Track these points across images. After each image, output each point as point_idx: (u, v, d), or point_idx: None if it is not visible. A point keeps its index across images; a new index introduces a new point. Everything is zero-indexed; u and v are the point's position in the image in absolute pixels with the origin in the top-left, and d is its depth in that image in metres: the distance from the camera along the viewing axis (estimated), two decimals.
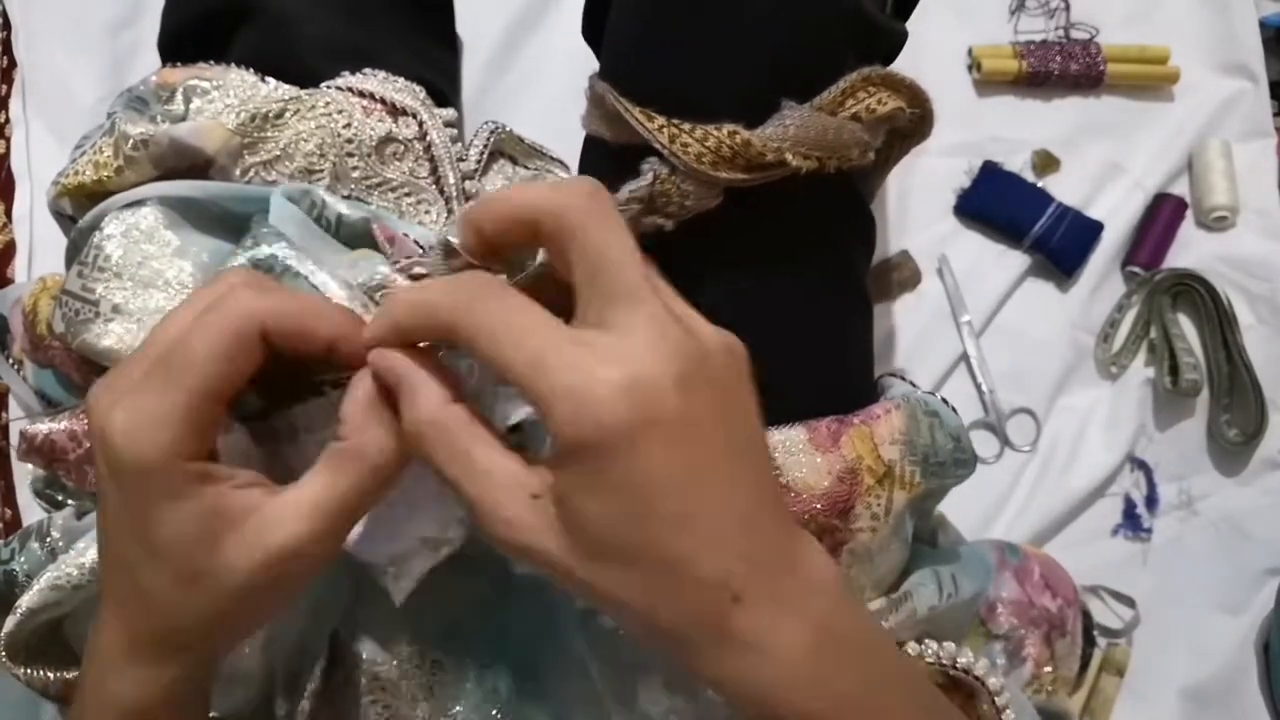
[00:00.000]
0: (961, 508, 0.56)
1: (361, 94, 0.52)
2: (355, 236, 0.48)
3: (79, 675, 0.36)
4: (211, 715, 0.42)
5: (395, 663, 0.42)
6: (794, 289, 0.46)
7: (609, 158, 0.46)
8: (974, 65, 0.85)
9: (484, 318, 0.30)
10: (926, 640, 0.46)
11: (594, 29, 0.53)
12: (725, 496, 0.30)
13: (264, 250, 0.42)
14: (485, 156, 0.58)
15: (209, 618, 0.32)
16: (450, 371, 0.33)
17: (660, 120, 0.42)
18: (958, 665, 0.45)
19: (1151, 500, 0.78)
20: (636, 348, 0.28)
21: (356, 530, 0.38)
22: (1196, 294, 0.80)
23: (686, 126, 0.41)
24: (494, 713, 0.42)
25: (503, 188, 0.58)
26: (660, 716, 0.43)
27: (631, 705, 0.42)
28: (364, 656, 0.42)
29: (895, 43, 0.52)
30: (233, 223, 0.49)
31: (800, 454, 0.43)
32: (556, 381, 0.28)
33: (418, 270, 0.40)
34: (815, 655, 0.30)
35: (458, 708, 0.41)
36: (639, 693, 0.43)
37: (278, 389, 0.36)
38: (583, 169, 0.52)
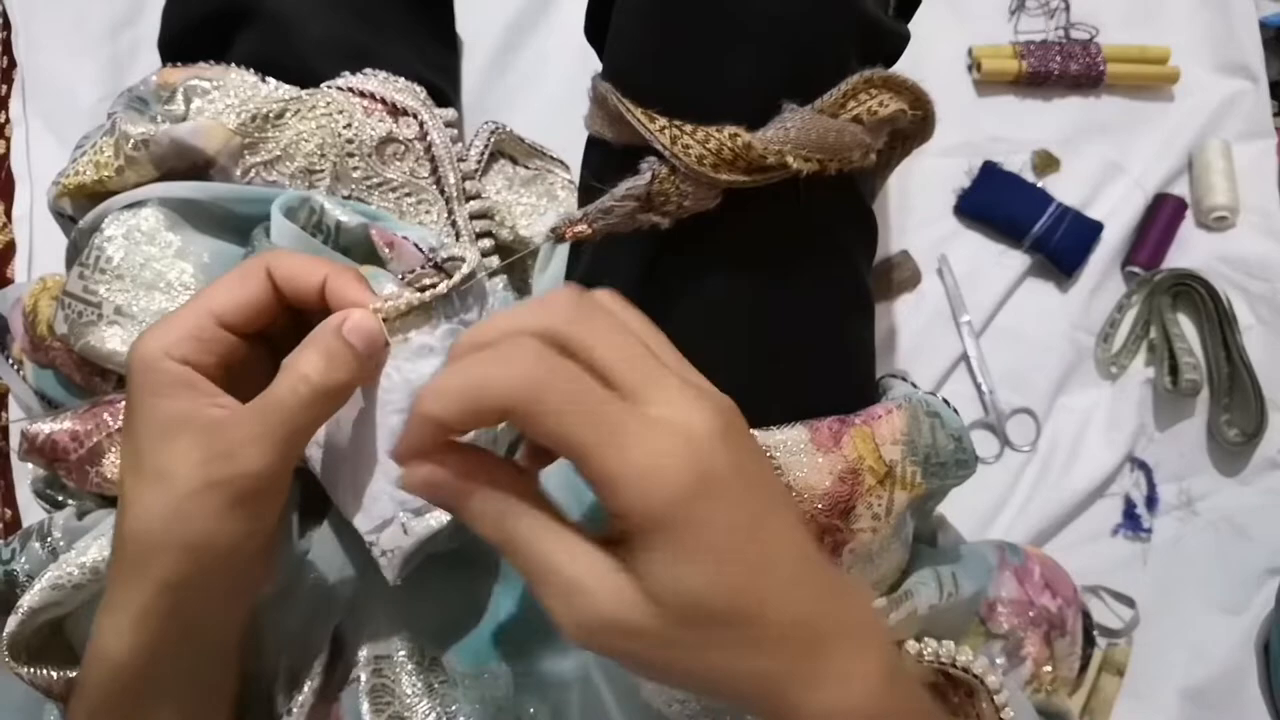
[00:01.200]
0: (962, 508, 0.56)
1: (362, 94, 0.52)
2: (354, 242, 0.48)
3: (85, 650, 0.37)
4: None
5: (395, 659, 0.42)
6: (796, 290, 0.46)
7: (611, 158, 0.46)
8: (974, 65, 0.85)
9: (548, 395, 0.29)
10: (926, 639, 0.46)
11: (597, 29, 0.53)
12: (788, 537, 0.32)
13: None
14: (485, 156, 0.58)
15: (165, 521, 0.33)
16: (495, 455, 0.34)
17: (662, 121, 0.42)
18: (957, 663, 0.45)
19: (1151, 500, 0.78)
20: (684, 417, 0.30)
21: (350, 496, 0.39)
22: (1196, 294, 0.80)
23: (688, 128, 0.41)
24: (493, 710, 0.42)
25: (502, 187, 0.58)
26: (663, 706, 0.43)
27: (633, 698, 0.42)
28: (364, 653, 0.42)
29: (897, 44, 0.52)
30: (234, 224, 0.49)
31: (802, 454, 0.43)
32: (627, 457, 0.28)
33: (426, 281, 0.41)
34: (891, 682, 0.32)
35: (457, 704, 0.41)
36: (641, 685, 0.43)
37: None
38: (584, 169, 0.52)
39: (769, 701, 0.31)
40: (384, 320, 0.36)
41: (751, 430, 0.42)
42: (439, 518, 0.40)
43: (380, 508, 0.39)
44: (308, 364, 0.34)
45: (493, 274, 0.45)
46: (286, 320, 0.37)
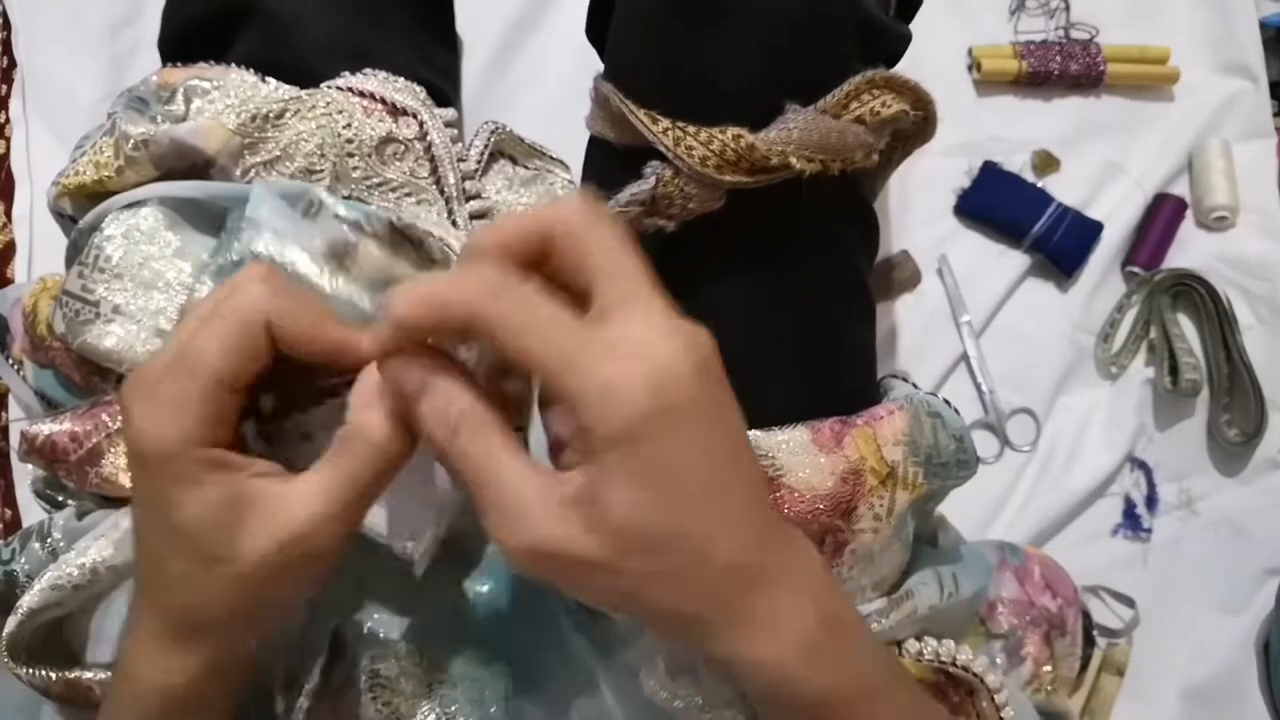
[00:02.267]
0: (962, 508, 0.56)
1: (362, 94, 0.52)
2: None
3: (112, 671, 0.37)
4: None
5: (395, 661, 0.42)
6: (797, 290, 0.46)
7: (613, 158, 0.46)
8: (974, 65, 0.85)
9: (507, 310, 0.29)
10: (926, 638, 0.46)
11: (598, 29, 0.53)
12: (737, 480, 0.32)
13: (238, 254, 0.42)
14: (485, 156, 0.58)
15: (229, 602, 0.32)
16: (466, 371, 0.33)
17: (665, 123, 0.42)
18: (957, 662, 0.45)
19: (1151, 500, 0.78)
20: (654, 341, 0.29)
21: (381, 519, 0.38)
22: (1196, 294, 0.80)
23: (691, 129, 0.41)
24: (492, 710, 0.42)
25: (502, 187, 0.58)
26: (665, 704, 0.43)
27: (634, 697, 0.42)
28: (364, 654, 0.42)
29: (899, 45, 0.52)
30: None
31: (804, 454, 0.43)
32: (587, 378, 0.28)
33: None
34: (826, 633, 0.32)
35: (456, 704, 0.41)
36: (643, 683, 0.43)
37: (289, 391, 0.37)
38: (586, 169, 0.52)
39: (701, 641, 0.31)
40: None
41: (753, 431, 0.43)
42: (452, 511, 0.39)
43: (413, 523, 0.38)
44: (378, 432, 0.32)
45: None
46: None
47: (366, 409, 0.32)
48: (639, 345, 0.29)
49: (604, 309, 0.30)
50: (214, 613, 0.33)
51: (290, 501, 0.32)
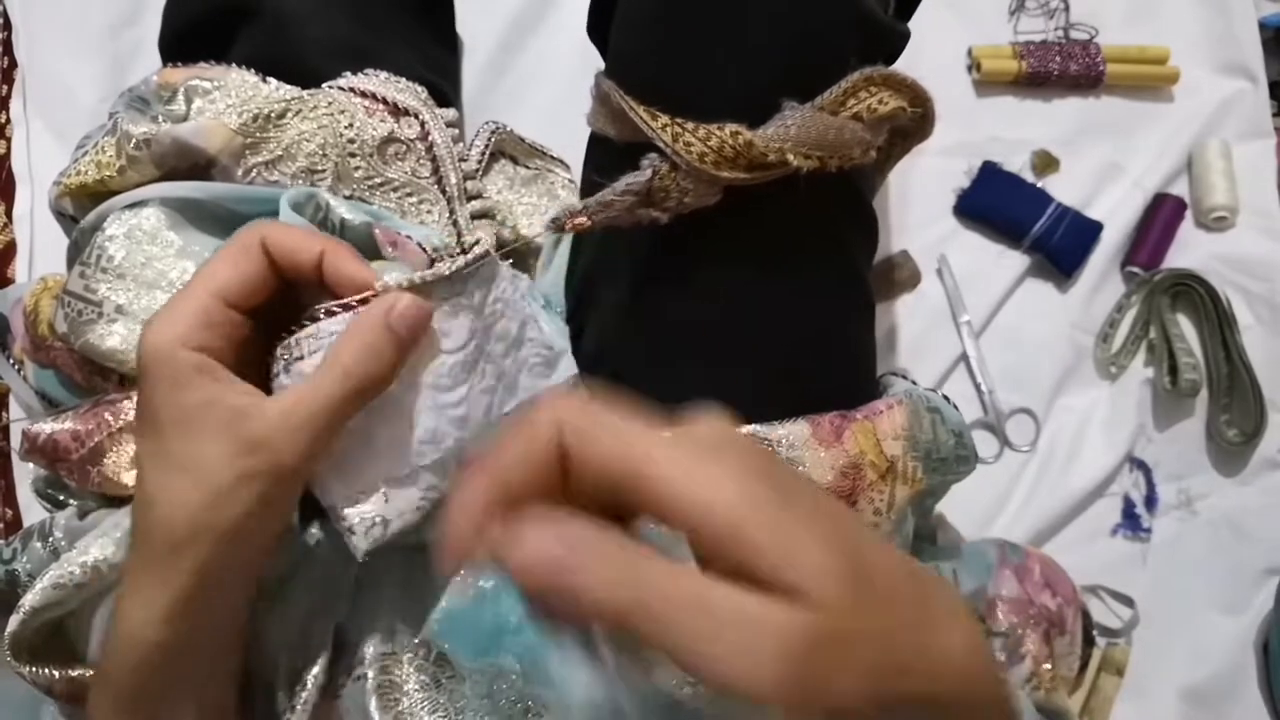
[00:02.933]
0: (961, 507, 0.56)
1: (364, 94, 0.52)
2: (358, 240, 0.48)
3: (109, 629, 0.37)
4: None
5: (402, 655, 0.42)
6: (796, 286, 0.47)
7: (613, 155, 0.46)
8: (974, 65, 0.85)
9: (630, 609, 0.23)
10: None
11: (599, 27, 0.53)
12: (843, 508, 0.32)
13: None
14: (486, 156, 0.58)
15: (196, 513, 0.33)
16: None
17: (664, 119, 0.42)
18: None
19: (1151, 500, 0.78)
20: (807, 565, 0.24)
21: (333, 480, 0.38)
22: (1196, 294, 0.80)
23: (690, 126, 0.41)
24: (501, 703, 0.42)
25: (503, 187, 0.58)
26: (675, 690, 0.43)
27: (642, 688, 0.43)
28: (370, 650, 0.42)
29: (897, 43, 0.52)
30: (236, 223, 0.49)
31: (804, 448, 0.43)
32: (722, 642, 0.23)
33: (441, 269, 0.40)
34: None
35: (465, 699, 0.41)
36: (653, 670, 0.43)
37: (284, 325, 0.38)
38: (587, 166, 0.52)
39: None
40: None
41: (753, 425, 0.43)
42: (420, 492, 0.39)
43: (363, 480, 0.38)
44: (350, 357, 0.34)
45: (502, 255, 0.45)
46: (278, 296, 0.37)
47: (353, 337, 0.34)
48: (783, 565, 0.24)
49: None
50: (182, 529, 0.33)
51: (260, 410, 0.33)
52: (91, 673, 0.41)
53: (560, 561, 0.23)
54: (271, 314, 0.37)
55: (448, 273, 0.39)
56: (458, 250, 0.48)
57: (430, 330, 0.39)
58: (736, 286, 0.46)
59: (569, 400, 0.26)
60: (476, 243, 0.42)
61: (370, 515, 0.39)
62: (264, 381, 0.37)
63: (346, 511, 0.38)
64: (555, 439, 0.25)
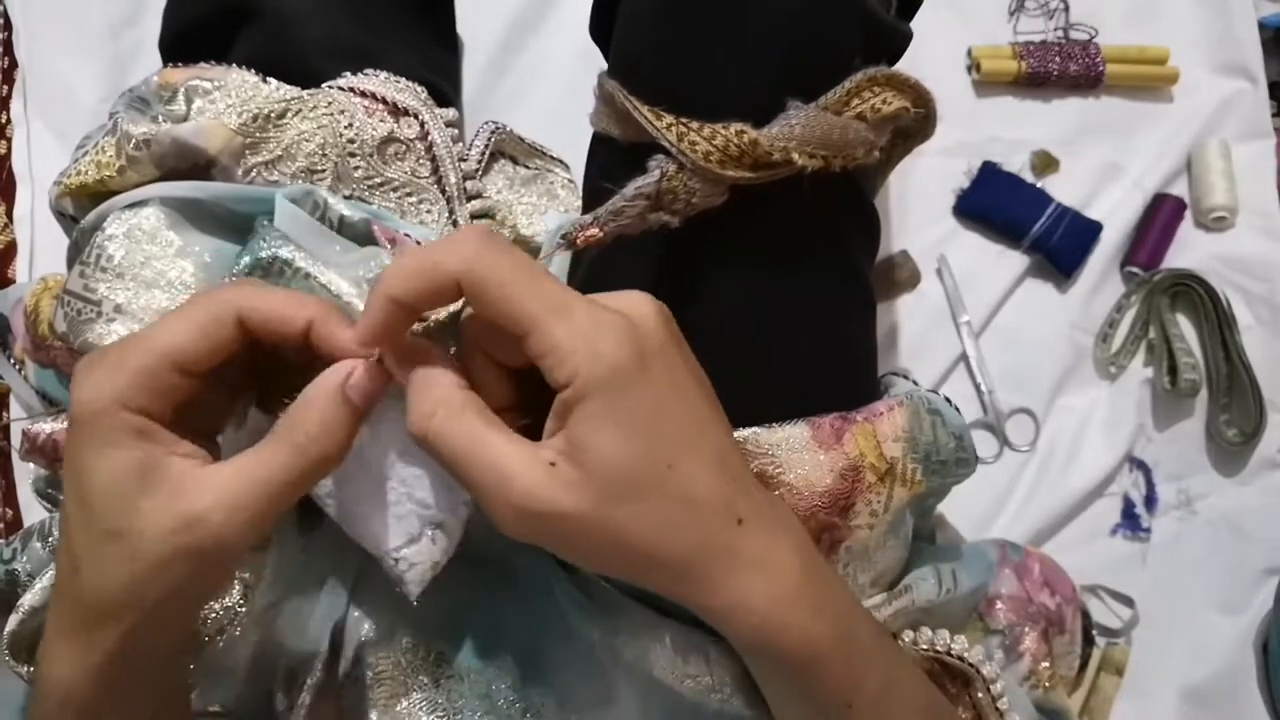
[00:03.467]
0: (961, 507, 0.56)
1: (363, 94, 0.52)
2: (357, 238, 0.48)
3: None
4: (213, 710, 0.42)
5: (400, 655, 0.42)
6: (799, 286, 0.47)
7: (617, 155, 0.46)
8: (973, 66, 0.85)
9: (497, 267, 0.31)
10: (922, 627, 0.46)
11: (602, 27, 0.53)
12: (712, 423, 0.33)
13: (267, 251, 0.42)
14: (486, 156, 0.58)
15: (126, 585, 0.31)
16: (455, 362, 0.34)
17: (669, 119, 0.42)
18: (952, 652, 0.45)
19: (1150, 500, 0.78)
20: (622, 301, 0.32)
21: (356, 518, 0.38)
22: (1195, 294, 0.80)
23: (695, 125, 0.41)
24: (499, 702, 0.42)
25: (503, 187, 0.58)
26: (675, 683, 0.43)
27: (641, 685, 0.43)
28: (367, 650, 0.42)
29: (900, 43, 0.52)
30: (235, 223, 0.49)
31: (803, 451, 0.43)
32: (573, 327, 0.30)
33: (440, 314, 0.40)
34: (810, 575, 0.33)
35: (463, 699, 0.41)
36: (653, 663, 0.43)
37: (273, 393, 0.37)
38: (590, 166, 0.52)
39: (685, 586, 0.32)
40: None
41: (753, 427, 0.43)
42: (454, 532, 0.39)
43: (407, 525, 0.38)
44: (303, 434, 0.31)
45: None
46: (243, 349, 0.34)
47: (308, 409, 0.32)
48: (612, 305, 0.32)
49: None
50: (111, 600, 0.31)
51: (200, 483, 0.31)
52: None
53: (404, 365, 0.33)
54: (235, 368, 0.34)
55: (444, 318, 0.37)
56: None
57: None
58: (739, 286, 0.46)
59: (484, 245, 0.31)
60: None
61: (421, 559, 0.38)
62: (217, 421, 0.35)
63: (396, 557, 0.38)
64: (454, 280, 0.31)
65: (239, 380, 0.36)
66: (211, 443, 0.35)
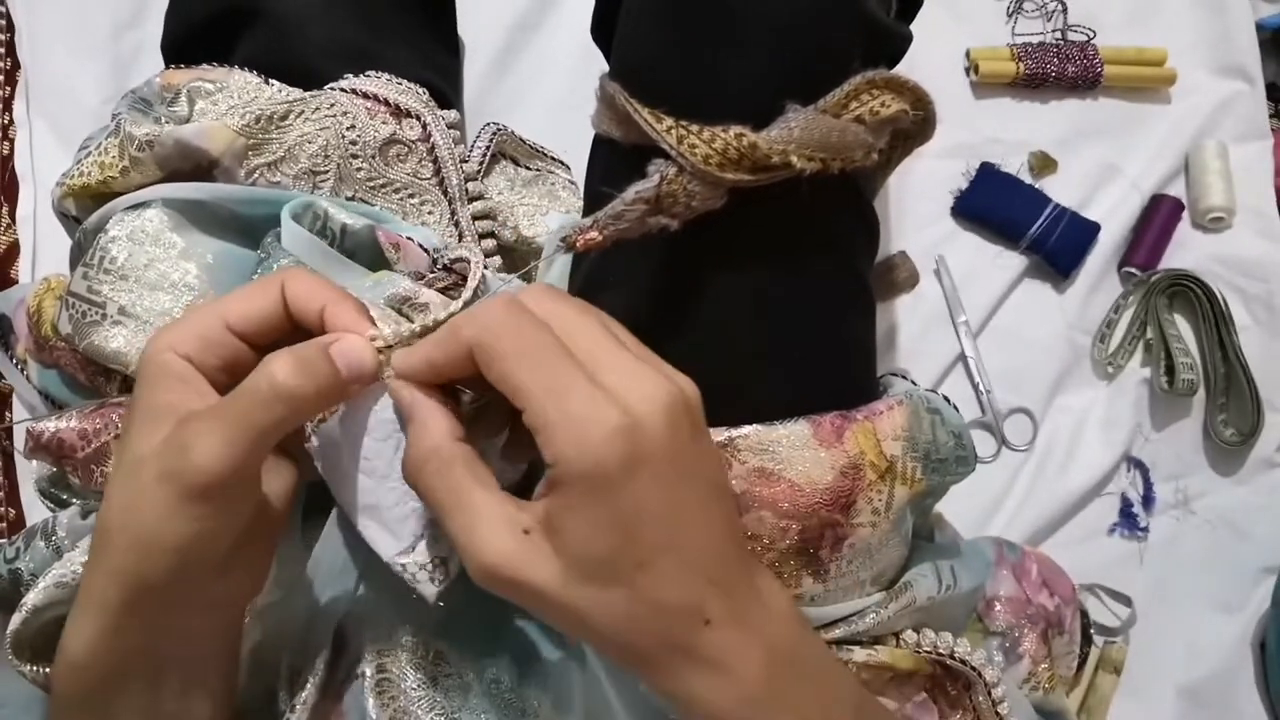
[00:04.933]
0: (959, 506, 0.57)
1: (365, 96, 0.52)
2: (360, 245, 0.48)
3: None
4: None
5: (400, 654, 0.42)
6: (798, 287, 0.47)
7: (618, 157, 0.46)
8: (971, 67, 0.85)
9: (504, 339, 0.31)
10: (924, 629, 0.46)
11: (604, 29, 0.53)
12: (702, 529, 0.33)
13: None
14: (487, 158, 0.59)
15: (123, 513, 0.32)
16: (459, 413, 0.35)
17: (669, 121, 0.42)
18: (955, 655, 0.45)
19: (1148, 499, 0.78)
20: (626, 388, 0.31)
21: (361, 522, 0.38)
22: (1193, 294, 0.80)
23: (694, 128, 0.42)
24: (497, 702, 0.42)
25: (504, 188, 0.59)
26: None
27: (632, 688, 0.43)
28: (368, 648, 0.42)
29: (899, 45, 0.52)
30: (239, 225, 0.50)
31: (804, 449, 0.43)
32: (568, 410, 0.30)
33: (441, 285, 0.40)
34: (771, 675, 0.33)
35: (460, 699, 0.42)
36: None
37: None
38: (591, 167, 0.53)
39: (651, 675, 0.33)
40: (382, 349, 0.36)
41: (754, 425, 0.43)
42: None
43: (410, 527, 0.39)
44: (277, 365, 0.33)
45: (501, 265, 0.45)
46: (298, 339, 0.36)
47: (293, 354, 0.33)
48: (615, 393, 0.31)
49: (581, 362, 0.32)
50: (117, 532, 0.32)
51: (186, 416, 0.32)
52: None
53: (409, 406, 0.34)
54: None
55: (444, 317, 0.38)
56: (448, 256, 0.48)
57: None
58: (738, 288, 0.46)
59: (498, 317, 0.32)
60: (467, 261, 0.41)
61: (427, 561, 0.38)
62: None
63: (402, 563, 0.38)
64: (469, 348, 0.32)
65: None
66: None
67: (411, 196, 0.53)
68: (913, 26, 0.54)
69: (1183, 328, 0.81)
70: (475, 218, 0.55)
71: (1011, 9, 0.88)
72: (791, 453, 0.43)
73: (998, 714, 0.46)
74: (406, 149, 0.52)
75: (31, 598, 0.41)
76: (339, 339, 0.35)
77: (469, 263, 0.42)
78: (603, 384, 0.31)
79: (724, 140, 0.41)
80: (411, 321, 0.37)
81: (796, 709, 0.34)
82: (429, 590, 0.39)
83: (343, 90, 0.52)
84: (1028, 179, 0.83)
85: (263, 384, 0.32)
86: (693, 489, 0.32)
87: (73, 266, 0.51)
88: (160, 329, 0.35)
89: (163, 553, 0.32)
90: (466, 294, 0.40)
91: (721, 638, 0.32)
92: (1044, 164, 0.84)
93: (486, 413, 0.36)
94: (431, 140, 0.53)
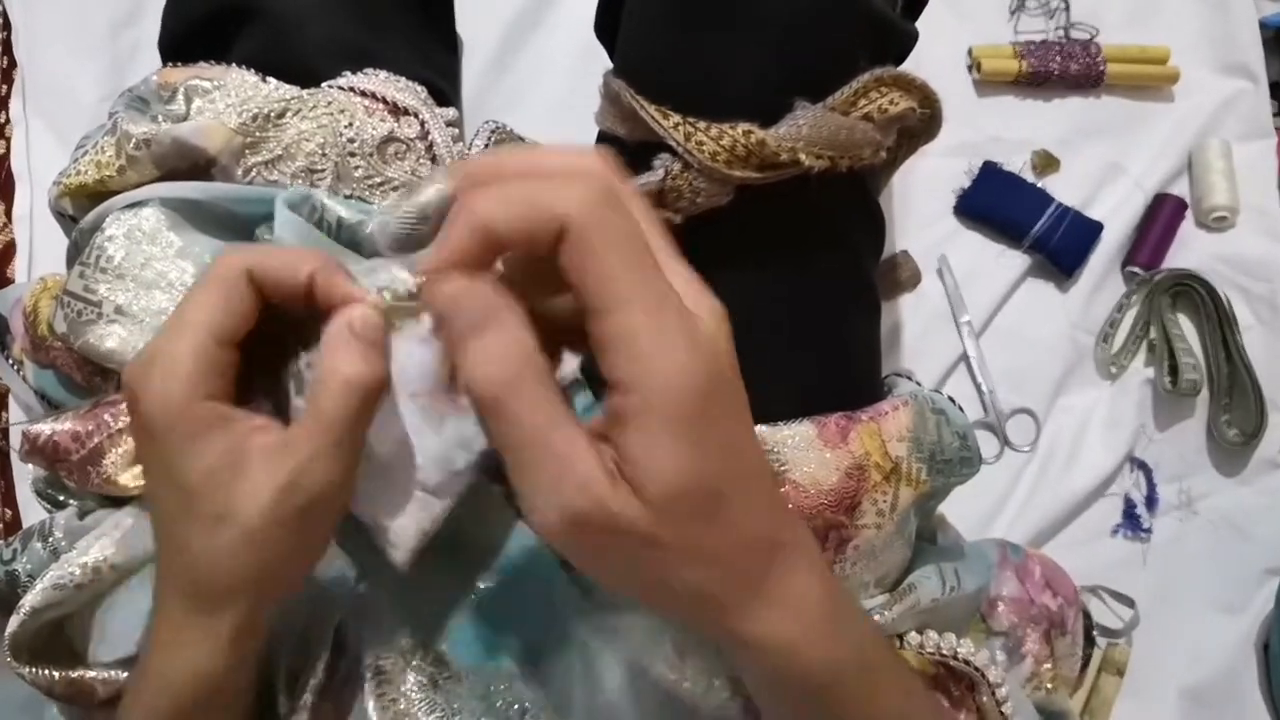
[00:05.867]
0: (962, 507, 0.56)
1: (363, 94, 0.52)
2: (356, 238, 0.48)
3: (138, 662, 0.37)
4: None
5: (398, 656, 0.42)
6: (805, 286, 0.47)
7: (623, 154, 0.46)
8: (974, 65, 0.85)
9: (607, 227, 0.27)
10: (928, 631, 0.46)
11: (607, 26, 0.53)
12: (761, 456, 0.32)
13: None
14: None
15: (241, 563, 0.32)
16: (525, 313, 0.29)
17: (676, 118, 0.42)
18: (958, 656, 0.45)
19: (1151, 500, 0.78)
20: (707, 311, 0.30)
21: (366, 499, 0.38)
22: (1196, 294, 0.80)
23: (702, 125, 0.41)
24: (497, 704, 0.42)
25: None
26: (674, 686, 0.43)
27: (637, 686, 0.43)
28: (367, 650, 0.42)
29: (906, 43, 0.52)
30: (235, 224, 0.49)
31: (809, 449, 0.43)
32: (664, 324, 0.27)
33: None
34: (834, 607, 0.33)
35: (461, 699, 0.41)
36: (650, 665, 0.43)
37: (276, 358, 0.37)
38: None
39: (713, 616, 0.31)
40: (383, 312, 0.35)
41: (759, 426, 0.43)
42: (451, 497, 0.39)
43: (396, 492, 0.38)
44: (348, 368, 0.32)
45: None
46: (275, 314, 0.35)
47: (336, 350, 0.32)
48: (698, 317, 0.29)
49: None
50: (230, 579, 0.33)
51: (283, 450, 0.32)
52: (92, 673, 0.41)
53: (474, 324, 0.28)
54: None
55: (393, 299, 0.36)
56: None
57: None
58: (743, 285, 0.46)
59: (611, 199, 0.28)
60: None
61: (409, 527, 0.38)
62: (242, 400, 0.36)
63: (387, 523, 0.38)
64: (560, 226, 0.27)
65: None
66: (277, 397, 0.36)
67: None
68: (916, 24, 0.54)
69: (1186, 327, 0.80)
70: None
71: (1014, 7, 0.87)
72: (796, 453, 0.43)
73: (1002, 714, 0.46)
74: (405, 147, 0.52)
75: (29, 599, 0.41)
76: (352, 319, 0.33)
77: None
78: (688, 307, 0.29)
79: (732, 137, 0.41)
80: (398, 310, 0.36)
81: (851, 641, 0.33)
82: (400, 554, 0.38)
83: (340, 88, 0.52)
84: (1030, 178, 0.83)
85: (348, 394, 0.31)
86: (746, 416, 0.31)
87: (69, 266, 0.51)
88: (154, 373, 0.32)
89: (290, 583, 0.35)
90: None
91: (788, 571, 0.32)
92: (1046, 163, 0.83)
93: None
94: (430, 138, 0.53)
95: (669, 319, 0.27)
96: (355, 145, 0.51)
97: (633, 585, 0.32)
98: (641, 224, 0.29)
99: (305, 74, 0.52)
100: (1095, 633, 0.71)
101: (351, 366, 0.32)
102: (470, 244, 0.28)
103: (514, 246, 0.28)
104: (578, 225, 0.27)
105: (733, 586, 0.31)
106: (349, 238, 0.48)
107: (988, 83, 0.85)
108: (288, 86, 0.52)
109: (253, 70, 0.52)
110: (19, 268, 0.79)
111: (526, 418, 0.28)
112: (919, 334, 0.80)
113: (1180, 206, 0.82)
